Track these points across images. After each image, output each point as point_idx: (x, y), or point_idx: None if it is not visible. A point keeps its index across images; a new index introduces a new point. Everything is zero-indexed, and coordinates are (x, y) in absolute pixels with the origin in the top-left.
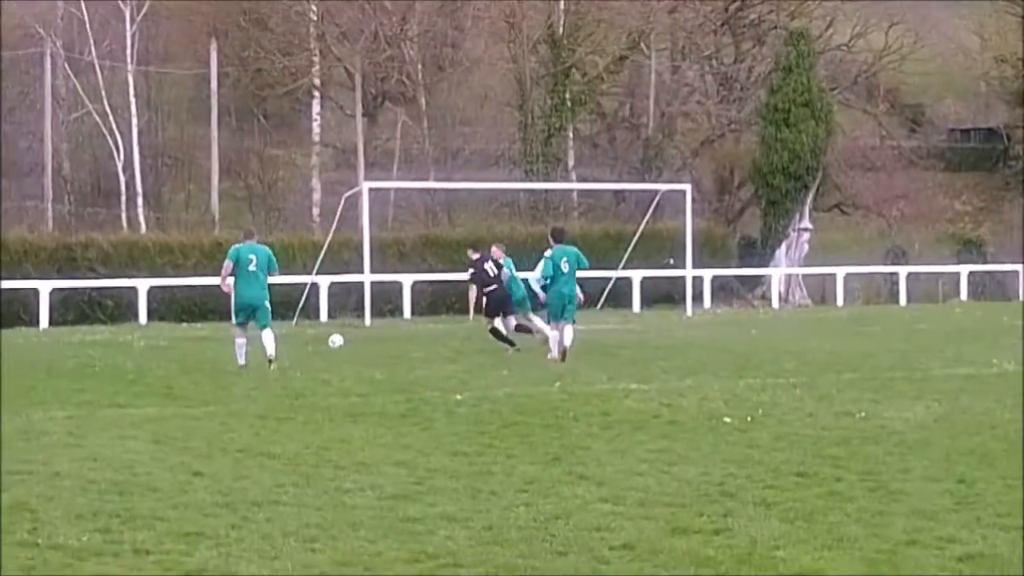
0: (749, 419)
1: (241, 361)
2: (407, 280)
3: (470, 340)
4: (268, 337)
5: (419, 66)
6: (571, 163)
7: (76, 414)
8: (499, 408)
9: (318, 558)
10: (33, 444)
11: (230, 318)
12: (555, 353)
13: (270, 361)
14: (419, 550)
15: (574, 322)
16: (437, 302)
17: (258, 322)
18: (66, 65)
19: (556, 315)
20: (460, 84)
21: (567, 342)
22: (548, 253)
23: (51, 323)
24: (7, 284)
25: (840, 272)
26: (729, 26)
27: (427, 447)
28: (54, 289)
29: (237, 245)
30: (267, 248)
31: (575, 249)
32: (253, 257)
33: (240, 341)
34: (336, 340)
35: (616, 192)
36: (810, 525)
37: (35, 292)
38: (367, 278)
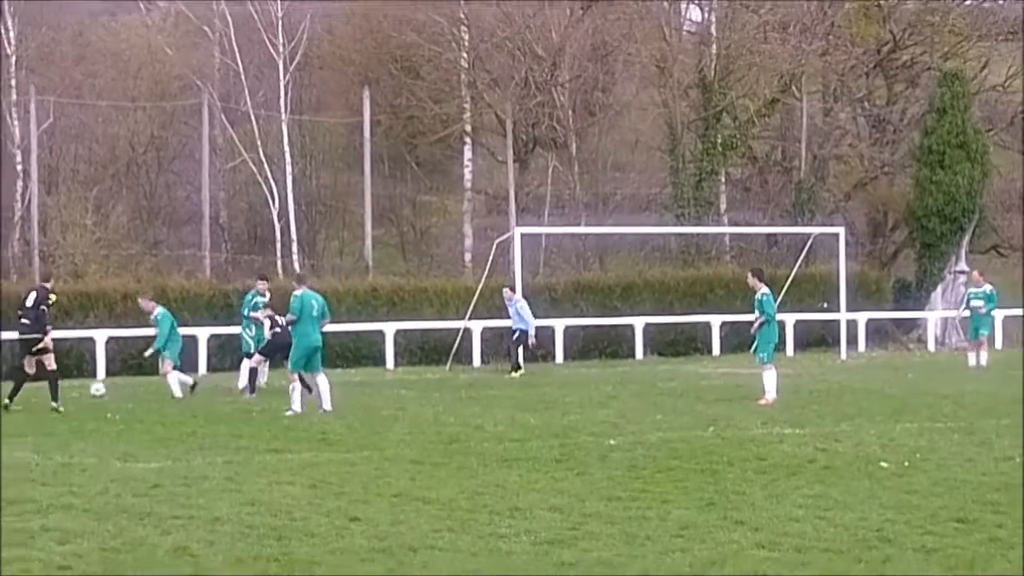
0: (906, 464)
1: (299, 408)
2: (559, 325)
3: (622, 384)
4: (324, 381)
5: (570, 111)
6: (723, 207)
7: (234, 459)
8: (653, 453)
9: None
10: (193, 489)
11: (383, 363)
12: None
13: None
14: None
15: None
16: (589, 347)
17: (314, 367)
18: (222, 116)
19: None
20: (611, 129)
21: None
22: (766, 292)
23: (208, 369)
24: None
25: (998, 315)
26: (881, 68)
27: (582, 492)
28: (212, 335)
29: (298, 293)
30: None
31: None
32: (315, 304)
33: (299, 386)
34: (99, 389)
35: (768, 235)
36: (971, 573)
37: (193, 339)
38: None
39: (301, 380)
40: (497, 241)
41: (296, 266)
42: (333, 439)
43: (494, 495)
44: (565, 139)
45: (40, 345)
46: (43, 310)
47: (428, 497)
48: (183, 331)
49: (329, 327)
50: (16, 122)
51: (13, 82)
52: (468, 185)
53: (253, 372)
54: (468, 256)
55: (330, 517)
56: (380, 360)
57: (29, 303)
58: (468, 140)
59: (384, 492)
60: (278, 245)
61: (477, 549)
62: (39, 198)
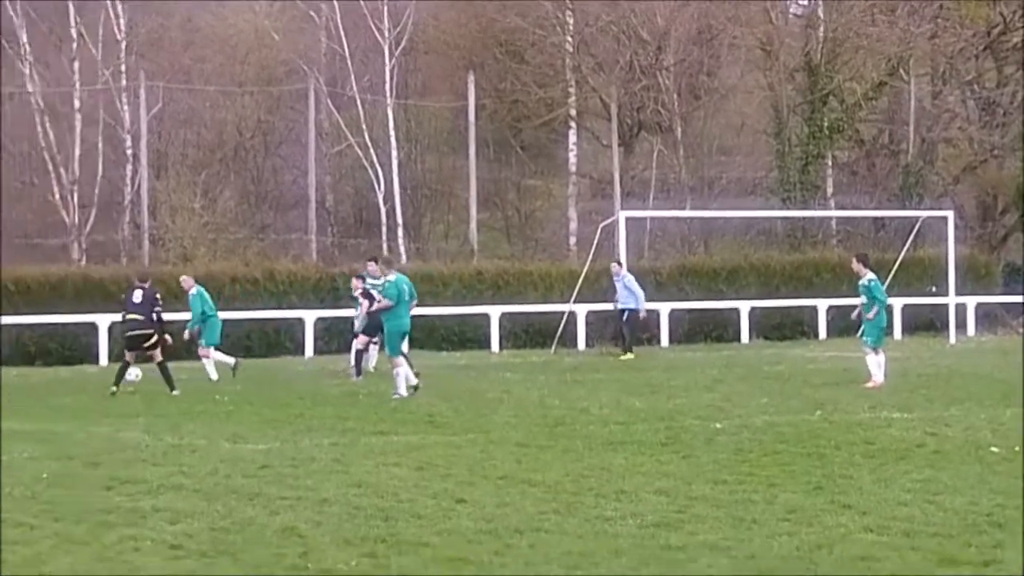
0: (1016, 449)
1: (404, 392)
2: (664, 309)
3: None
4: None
5: (675, 95)
6: (829, 190)
7: (341, 441)
8: (759, 436)
9: None
10: (301, 470)
11: (488, 346)
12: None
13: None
14: None
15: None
16: (694, 330)
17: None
18: (328, 100)
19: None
20: (716, 112)
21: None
22: (873, 278)
23: (316, 351)
24: (275, 314)
25: None
26: (991, 50)
27: (687, 475)
28: (318, 318)
29: (391, 278)
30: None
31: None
32: (405, 288)
33: (403, 370)
34: (137, 375)
35: (876, 219)
36: None
37: (300, 322)
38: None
39: (392, 363)
40: (602, 225)
41: (401, 249)
42: (439, 421)
43: (600, 478)
44: (670, 123)
45: (151, 342)
46: (157, 311)
47: (534, 480)
48: (291, 314)
49: (434, 310)
50: (126, 107)
51: (123, 68)
52: (573, 169)
53: (359, 354)
54: (573, 240)
55: (436, 499)
56: (485, 343)
57: (137, 300)
58: (573, 124)
59: (490, 474)
60: (383, 229)
61: (583, 532)
62: (148, 182)
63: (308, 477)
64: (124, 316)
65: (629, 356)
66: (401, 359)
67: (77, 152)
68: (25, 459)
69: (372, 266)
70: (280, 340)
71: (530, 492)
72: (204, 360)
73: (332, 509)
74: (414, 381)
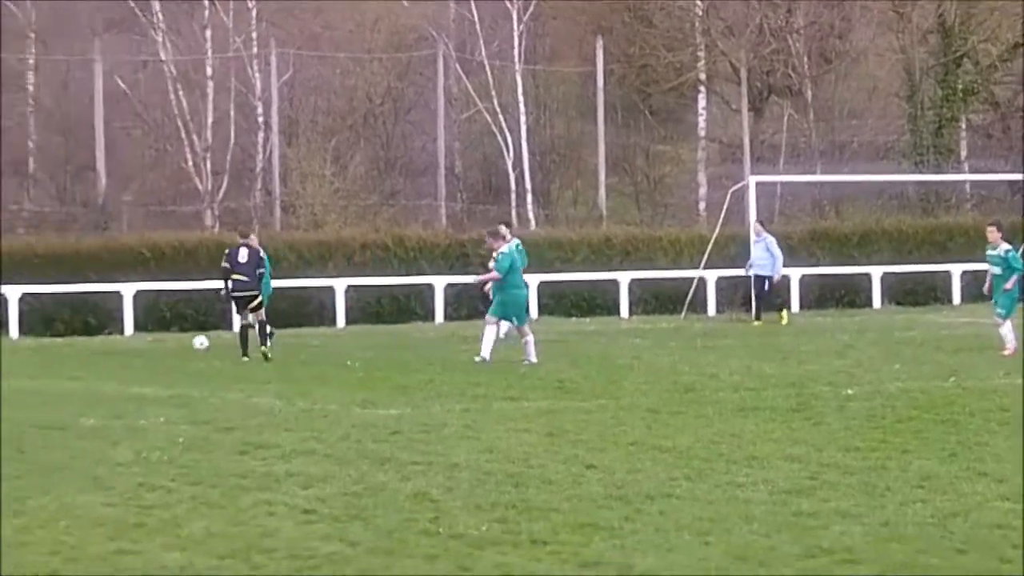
0: None
1: (534, 359)
2: (795, 274)
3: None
4: (494, 334)
5: (805, 58)
6: (963, 154)
7: (472, 407)
8: (892, 403)
9: (712, 551)
10: (431, 436)
11: (618, 312)
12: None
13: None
14: (813, 545)
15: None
16: (825, 296)
17: (522, 320)
18: (458, 66)
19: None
20: (847, 75)
21: None
22: (1009, 248)
23: (445, 317)
24: (405, 280)
25: None
26: None
27: (819, 442)
28: (448, 284)
29: (503, 250)
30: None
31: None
32: (517, 257)
33: (532, 338)
34: (202, 342)
35: (1011, 183)
36: None
37: (430, 287)
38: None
39: (520, 332)
40: (732, 190)
41: (530, 215)
42: (569, 387)
43: (730, 444)
44: (800, 86)
45: (256, 302)
46: (261, 272)
47: (664, 446)
48: (420, 280)
49: (564, 277)
50: (257, 74)
51: (254, 35)
52: (702, 134)
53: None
54: (702, 205)
55: (567, 464)
56: (615, 309)
57: (243, 259)
58: (702, 88)
59: (620, 440)
60: (512, 195)
61: (714, 498)
62: (280, 149)
63: (439, 442)
64: (227, 277)
65: (784, 320)
66: (527, 328)
67: (210, 120)
68: (161, 424)
69: (502, 229)
70: (410, 306)
71: (660, 458)
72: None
73: (463, 474)
74: (487, 353)
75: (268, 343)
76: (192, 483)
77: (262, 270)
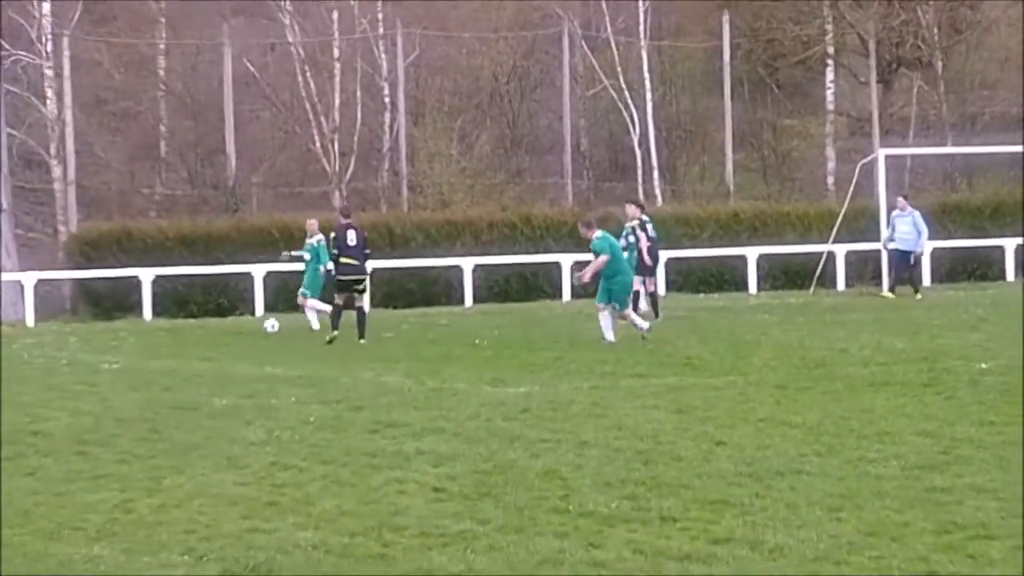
0: None
1: (644, 326)
2: (926, 247)
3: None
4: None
5: (935, 29)
6: None
7: (600, 384)
8: None
9: (843, 527)
10: (560, 413)
11: (746, 288)
12: None
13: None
14: (947, 520)
15: None
16: (957, 269)
17: (623, 304)
18: (583, 43)
19: None
20: (978, 46)
21: None
22: None
23: (573, 295)
24: (532, 258)
25: None
26: None
27: (952, 417)
28: (574, 262)
29: (598, 235)
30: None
31: None
32: (612, 241)
33: (633, 316)
34: (273, 325)
35: None
36: None
37: (557, 265)
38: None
39: (622, 316)
40: (860, 163)
41: (657, 192)
42: (698, 364)
43: (861, 420)
44: (930, 58)
45: (362, 287)
46: (367, 252)
47: (793, 422)
48: (547, 258)
49: (691, 252)
50: (383, 55)
51: (380, 16)
52: (830, 107)
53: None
54: (831, 179)
55: (696, 441)
56: (742, 285)
57: (352, 242)
58: (830, 61)
59: (749, 417)
60: (639, 172)
61: (844, 473)
62: (406, 129)
63: (567, 420)
64: (336, 259)
65: (919, 296)
66: (629, 311)
67: (337, 101)
68: (292, 403)
69: (632, 208)
70: (537, 284)
71: (790, 434)
72: (306, 310)
73: (592, 452)
74: (610, 335)
75: (366, 337)
76: (323, 462)
77: (368, 251)
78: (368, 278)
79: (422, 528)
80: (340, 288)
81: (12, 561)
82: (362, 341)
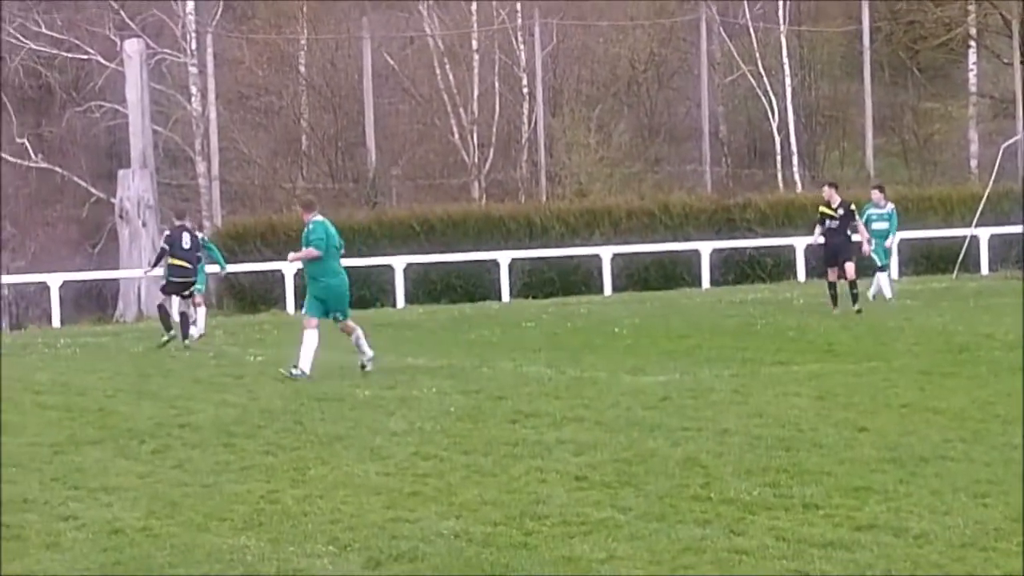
0: None
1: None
2: None
3: None
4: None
5: None
6: None
7: (740, 372)
8: None
9: (990, 513)
10: (700, 401)
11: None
12: None
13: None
14: None
15: None
16: None
17: None
18: (721, 30)
19: None
20: None
21: None
22: None
23: (712, 283)
24: (671, 246)
25: None
26: None
27: None
28: (714, 250)
29: (317, 219)
30: None
31: None
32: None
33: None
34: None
35: None
36: None
37: (696, 253)
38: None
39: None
40: (1004, 146)
41: (796, 178)
42: (839, 350)
43: (1006, 404)
44: None
45: (191, 290)
46: (199, 255)
47: (937, 407)
48: (687, 246)
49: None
50: (522, 46)
51: (519, 7)
52: (973, 89)
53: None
54: (973, 162)
55: (838, 428)
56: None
57: (186, 244)
58: (972, 43)
59: (892, 403)
60: (778, 158)
61: (991, 459)
62: (544, 120)
63: (708, 408)
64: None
65: None
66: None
67: (475, 92)
68: (433, 394)
69: (876, 194)
70: (676, 272)
71: (934, 420)
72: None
73: (733, 439)
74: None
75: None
76: (465, 452)
77: (200, 254)
78: (198, 281)
79: (564, 517)
80: (169, 290)
81: (161, 552)
82: (186, 342)
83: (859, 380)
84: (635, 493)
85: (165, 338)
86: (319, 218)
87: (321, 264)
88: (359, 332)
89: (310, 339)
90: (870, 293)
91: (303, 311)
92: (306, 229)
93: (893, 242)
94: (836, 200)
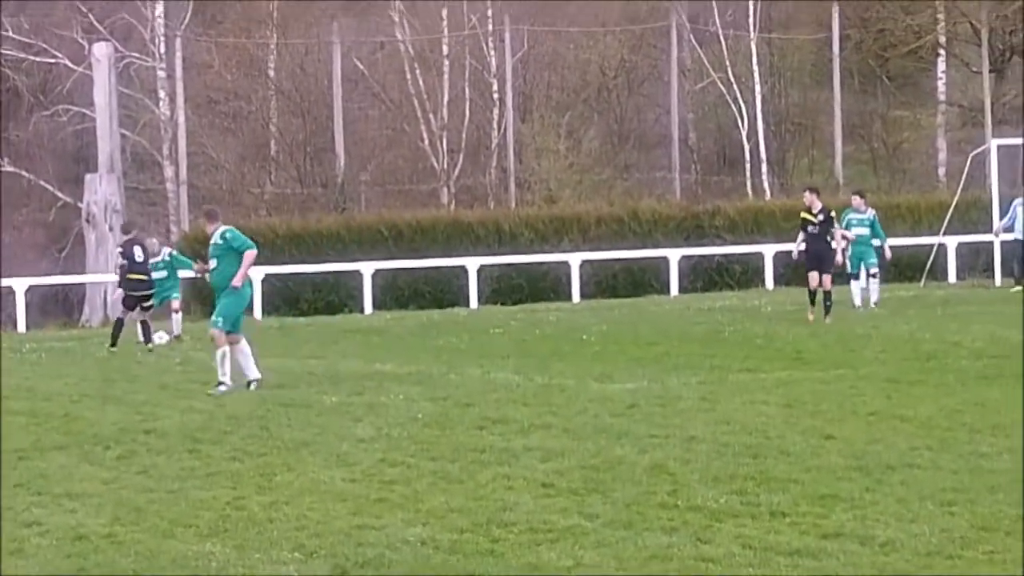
0: None
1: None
2: None
3: None
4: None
5: None
6: None
7: (708, 379)
8: None
9: (956, 522)
10: (668, 408)
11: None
12: None
13: None
14: None
15: None
16: None
17: None
18: (691, 36)
19: None
20: None
21: None
22: None
23: (680, 290)
24: (640, 253)
25: None
26: None
27: None
28: (683, 257)
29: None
30: None
31: None
32: None
33: None
34: (160, 336)
35: None
36: None
37: (664, 260)
38: (996, 239)
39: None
40: (972, 154)
41: (765, 186)
42: (807, 358)
43: (974, 413)
44: None
45: (150, 302)
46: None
47: (905, 415)
48: (655, 253)
49: (790, 246)
50: (492, 52)
51: (489, 12)
52: (942, 98)
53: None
54: (942, 171)
55: (805, 435)
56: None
57: (139, 258)
58: (941, 51)
59: (859, 410)
60: (747, 165)
61: (958, 467)
62: (514, 126)
63: (675, 415)
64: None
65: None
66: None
67: (445, 98)
68: (401, 400)
69: (856, 199)
70: (645, 279)
71: (901, 428)
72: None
73: (700, 447)
74: None
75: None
76: (432, 458)
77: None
78: (173, 289)
79: (530, 524)
80: (129, 304)
81: (125, 559)
82: (149, 346)
83: (826, 388)
84: (602, 500)
85: (113, 350)
86: (225, 227)
87: (233, 272)
88: (228, 350)
89: (245, 348)
90: (872, 301)
91: (222, 326)
92: (220, 240)
93: (886, 249)
94: (817, 205)
